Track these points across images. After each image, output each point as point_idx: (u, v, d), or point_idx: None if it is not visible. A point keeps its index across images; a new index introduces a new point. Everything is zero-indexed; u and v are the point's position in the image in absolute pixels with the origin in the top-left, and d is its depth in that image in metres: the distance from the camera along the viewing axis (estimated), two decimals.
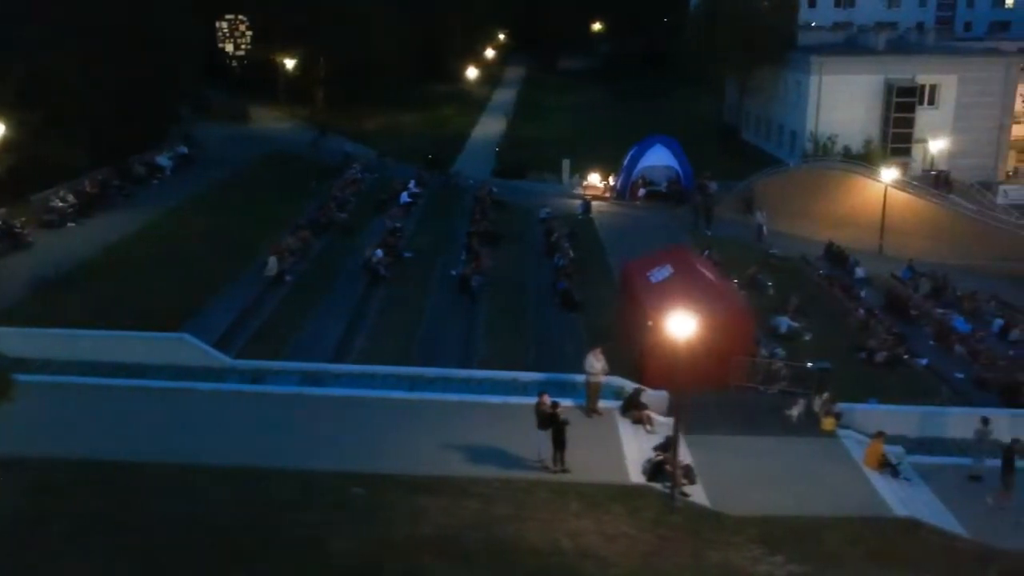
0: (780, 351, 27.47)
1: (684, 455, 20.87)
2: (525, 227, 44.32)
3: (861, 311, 32.76)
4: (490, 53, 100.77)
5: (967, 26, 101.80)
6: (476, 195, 47.21)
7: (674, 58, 77.41)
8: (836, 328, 32.46)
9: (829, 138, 56.84)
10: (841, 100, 57.33)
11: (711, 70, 69.40)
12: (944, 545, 18.35)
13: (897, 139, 57.33)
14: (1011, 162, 63.12)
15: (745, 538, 17.84)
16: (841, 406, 23.34)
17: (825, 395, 23.25)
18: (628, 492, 19.07)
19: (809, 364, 25.02)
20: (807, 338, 30.44)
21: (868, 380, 27.62)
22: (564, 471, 19.43)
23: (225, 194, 44.28)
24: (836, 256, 41.01)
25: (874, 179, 45.77)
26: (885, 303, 34.75)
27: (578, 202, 49.34)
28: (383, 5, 73.44)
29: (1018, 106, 61.40)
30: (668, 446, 19.59)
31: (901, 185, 46.06)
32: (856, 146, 55.63)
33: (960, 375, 28.53)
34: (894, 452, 21.82)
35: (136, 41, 43.59)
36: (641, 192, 51.50)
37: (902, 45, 65.98)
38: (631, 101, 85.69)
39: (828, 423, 22.82)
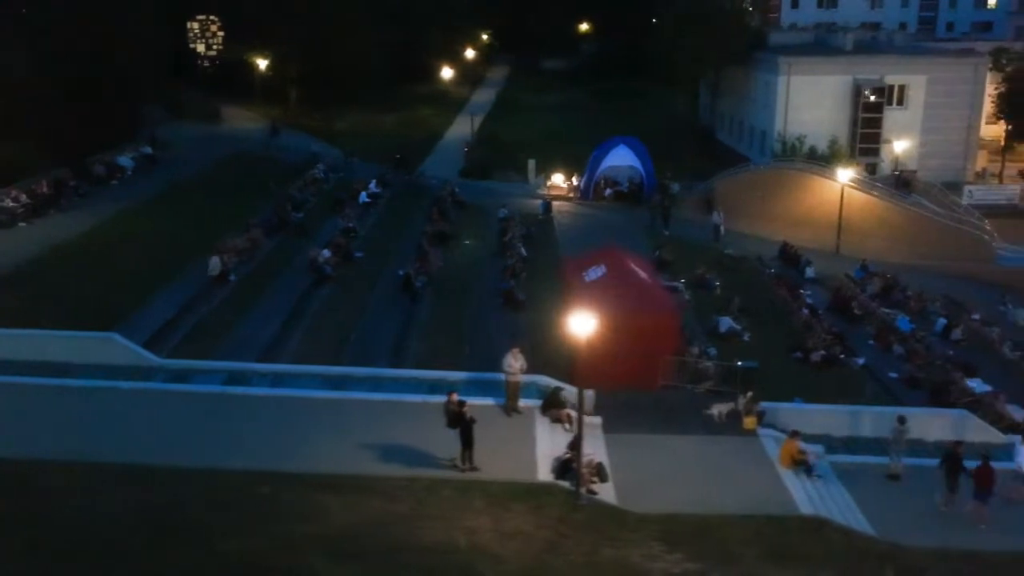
0: (712, 350, 27.51)
1: (599, 453, 20.92)
2: (484, 227, 44.30)
3: (805, 311, 32.80)
4: (472, 54, 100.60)
5: (949, 26, 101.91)
6: (436, 195, 47.16)
7: (650, 58, 77.39)
8: (780, 328, 32.54)
9: (798, 138, 56.81)
10: (810, 100, 57.34)
11: (683, 70, 69.49)
12: (846, 543, 18.34)
13: (865, 139, 57.39)
14: (982, 162, 63.28)
15: (646, 535, 17.83)
16: (765, 405, 23.34)
17: (749, 394, 23.27)
18: (533, 490, 19.05)
19: (739, 363, 25.05)
20: (746, 338, 30.51)
21: (802, 379, 27.71)
22: (473, 469, 19.45)
23: (184, 194, 44.02)
24: (790, 256, 41.06)
25: (832, 179, 45.80)
26: (830, 302, 34.79)
27: (539, 202, 49.39)
28: (360, 5, 73.46)
29: (988, 106, 61.60)
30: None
31: (858, 185, 46.11)
32: (824, 146, 55.66)
33: (894, 374, 28.60)
34: (813, 451, 21.88)
35: (94, 41, 43.50)
36: (607, 192, 51.54)
37: (871, 45, 66.05)
38: (610, 101, 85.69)
39: (750, 422, 22.80)
